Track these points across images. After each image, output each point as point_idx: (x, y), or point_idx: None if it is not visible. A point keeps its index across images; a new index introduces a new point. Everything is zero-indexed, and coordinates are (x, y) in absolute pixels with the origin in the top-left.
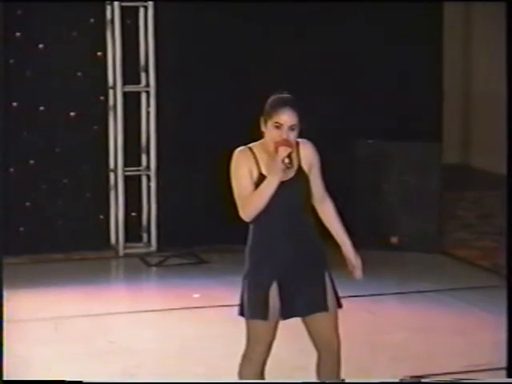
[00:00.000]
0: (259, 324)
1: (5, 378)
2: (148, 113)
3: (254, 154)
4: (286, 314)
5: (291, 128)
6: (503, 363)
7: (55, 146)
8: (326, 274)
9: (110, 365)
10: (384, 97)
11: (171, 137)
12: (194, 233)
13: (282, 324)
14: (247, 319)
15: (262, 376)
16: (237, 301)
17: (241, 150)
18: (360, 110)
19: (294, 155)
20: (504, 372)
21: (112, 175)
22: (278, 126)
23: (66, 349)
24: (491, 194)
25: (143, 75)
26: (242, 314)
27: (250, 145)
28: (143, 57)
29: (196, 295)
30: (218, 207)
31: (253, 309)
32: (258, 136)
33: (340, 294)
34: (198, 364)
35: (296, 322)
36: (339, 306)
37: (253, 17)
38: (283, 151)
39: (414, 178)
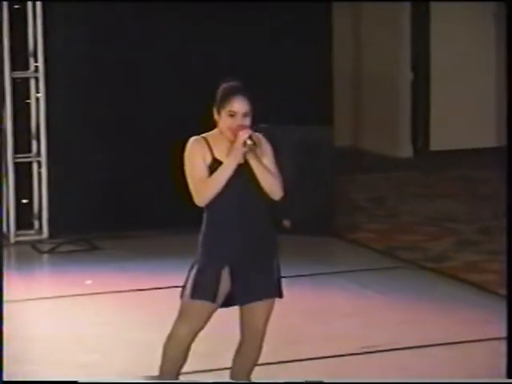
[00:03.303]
0: (199, 306)
1: (4, 379)
2: (37, 99)
3: (207, 141)
4: (240, 300)
5: (245, 115)
6: (397, 343)
7: None
8: (275, 262)
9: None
10: (274, 81)
11: (62, 122)
12: (86, 219)
13: (172, 309)
14: (190, 299)
15: (187, 353)
16: (129, 286)
17: (194, 139)
18: (252, 95)
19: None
20: (398, 352)
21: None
22: (232, 115)
23: None
24: (382, 177)
25: (32, 61)
26: (183, 296)
27: (204, 134)
28: (32, 42)
29: (88, 282)
30: (110, 193)
31: (201, 289)
32: (144, 117)
33: None
34: (91, 351)
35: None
36: (280, 295)
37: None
38: (245, 133)
39: (306, 161)
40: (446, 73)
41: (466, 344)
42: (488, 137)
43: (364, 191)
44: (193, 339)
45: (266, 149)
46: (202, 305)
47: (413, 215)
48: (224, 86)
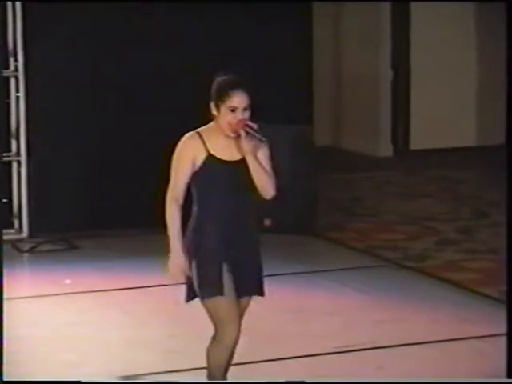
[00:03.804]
0: (220, 300)
1: (4, 379)
2: (17, 98)
3: (201, 137)
4: (239, 292)
5: (244, 109)
6: (376, 342)
7: None
8: (259, 260)
9: None
10: (255, 80)
11: (42, 122)
12: (65, 218)
13: (150, 308)
14: (206, 299)
15: (231, 359)
16: (108, 286)
17: (189, 136)
18: (250, 88)
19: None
20: (377, 351)
21: None
22: (233, 110)
23: None
24: (362, 176)
25: (12, 60)
26: (189, 298)
27: (199, 129)
28: (11, 41)
29: (67, 281)
30: (90, 192)
31: (208, 286)
32: (124, 116)
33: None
34: (70, 350)
35: (166, 306)
36: (261, 293)
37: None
38: None
39: (287, 160)
40: (426, 72)
41: (446, 342)
42: (468, 136)
43: (344, 190)
44: (234, 336)
45: (263, 146)
46: (218, 301)
47: (393, 214)
48: (220, 79)
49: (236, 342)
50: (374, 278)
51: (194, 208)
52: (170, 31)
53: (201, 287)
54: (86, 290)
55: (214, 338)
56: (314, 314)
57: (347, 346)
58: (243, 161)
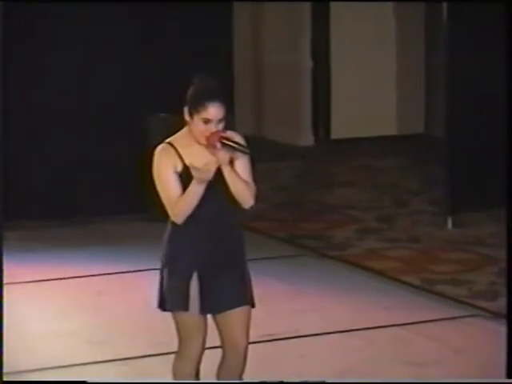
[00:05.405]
0: (186, 316)
1: (4, 379)
2: None
3: (174, 148)
4: (205, 309)
5: (219, 121)
6: (298, 331)
7: None
8: (246, 270)
9: None
10: (175, 71)
11: None
12: None
13: (71, 299)
14: (172, 312)
15: (197, 374)
16: (31, 277)
17: (161, 148)
18: (151, 84)
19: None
20: (299, 340)
21: None
22: (207, 122)
23: None
24: (283, 166)
25: None
26: (160, 306)
27: (169, 139)
28: None
29: None
30: (12, 182)
31: (174, 299)
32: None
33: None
34: None
35: (87, 297)
36: (252, 305)
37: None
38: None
39: None
40: (346, 62)
41: (368, 330)
42: (388, 125)
43: (266, 180)
44: (198, 351)
45: (241, 155)
46: (184, 316)
47: (315, 203)
48: (196, 86)
49: (200, 359)
50: (296, 268)
51: (170, 219)
52: (93, 29)
53: (170, 298)
54: (9, 281)
55: (177, 351)
56: None
57: (270, 334)
58: (219, 169)
